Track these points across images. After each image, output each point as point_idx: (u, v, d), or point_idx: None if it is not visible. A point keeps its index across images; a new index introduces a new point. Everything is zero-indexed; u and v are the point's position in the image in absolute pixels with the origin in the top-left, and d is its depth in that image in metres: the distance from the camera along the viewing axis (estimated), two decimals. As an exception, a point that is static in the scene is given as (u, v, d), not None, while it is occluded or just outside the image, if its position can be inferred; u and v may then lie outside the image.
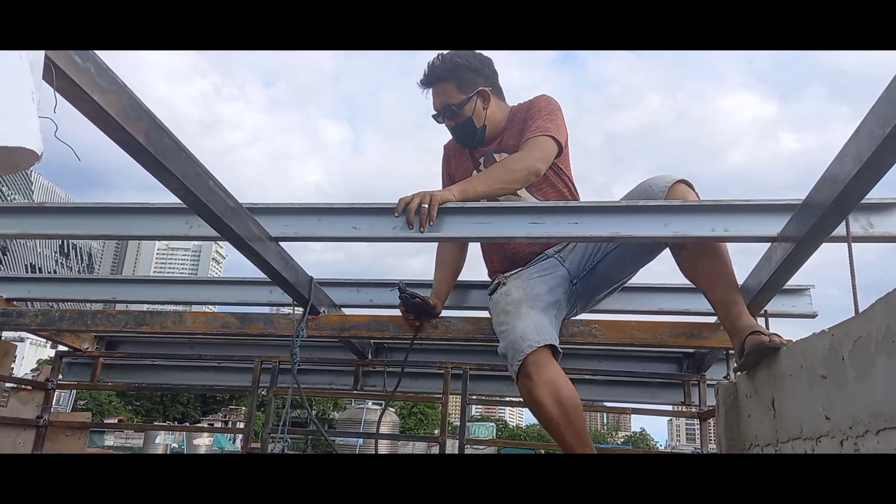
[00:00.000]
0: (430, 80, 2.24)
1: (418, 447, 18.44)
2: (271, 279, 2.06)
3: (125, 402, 37.66)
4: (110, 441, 29.07)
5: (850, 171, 1.23)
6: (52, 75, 1.02)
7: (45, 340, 3.22)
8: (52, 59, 1.01)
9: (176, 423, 36.28)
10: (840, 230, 1.50)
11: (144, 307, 2.89)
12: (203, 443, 23.07)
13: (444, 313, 2.32)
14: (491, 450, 14.43)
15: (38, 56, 0.96)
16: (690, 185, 1.89)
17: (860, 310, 1.08)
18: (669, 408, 3.12)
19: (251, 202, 1.84)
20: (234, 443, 23.54)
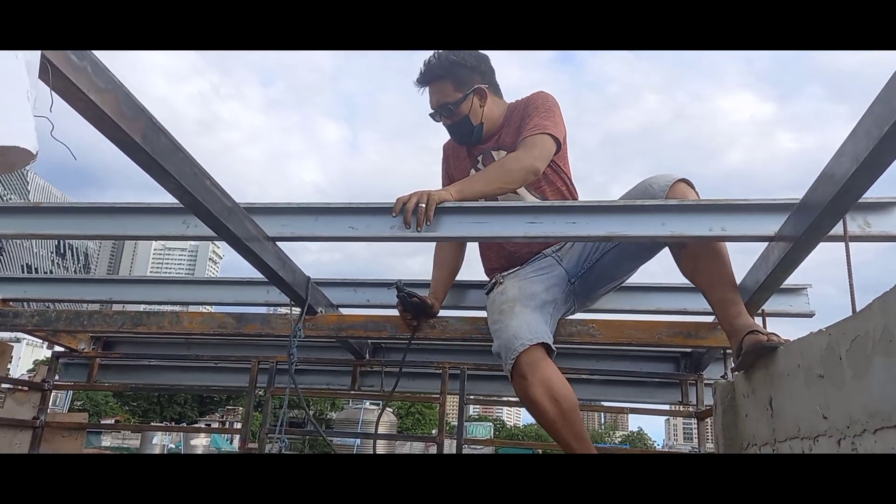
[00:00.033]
0: (427, 78, 2.24)
1: (416, 447, 18.44)
2: (268, 279, 2.05)
3: (122, 402, 37.59)
4: (107, 442, 29.04)
5: (848, 170, 1.23)
6: (49, 74, 1.01)
7: (41, 341, 3.21)
8: (49, 58, 1.00)
9: (173, 423, 36.23)
10: (837, 229, 1.50)
11: (141, 307, 2.89)
12: (200, 443, 23.05)
13: (442, 313, 2.32)
14: (489, 450, 14.44)
15: (34, 55, 0.96)
16: (691, 185, 1.89)
17: (857, 309, 1.08)
18: (667, 407, 3.13)
19: (248, 202, 1.84)
20: (231, 443, 23.52)
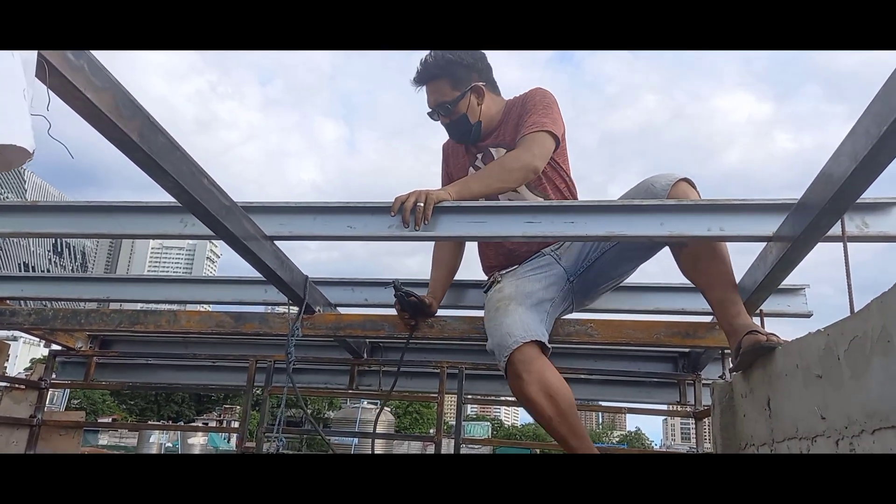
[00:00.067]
0: (423, 77, 2.23)
1: (414, 446, 18.44)
2: (266, 278, 2.05)
3: (119, 401, 37.54)
4: (104, 440, 29.00)
5: (846, 170, 1.23)
6: (45, 73, 1.01)
7: (38, 339, 3.20)
8: (46, 57, 1.00)
9: (170, 422, 36.21)
10: (835, 230, 1.51)
11: (138, 306, 2.88)
12: (198, 442, 23.02)
13: (440, 312, 2.31)
14: (487, 449, 14.45)
15: (30, 53, 0.95)
16: (692, 184, 1.88)
17: (856, 309, 1.08)
18: (665, 407, 3.13)
19: (246, 201, 1.83)
20: (228, 442, 23.50)
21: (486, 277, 2.32)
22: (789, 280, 1.86)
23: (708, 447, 2.58)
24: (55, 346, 3.17)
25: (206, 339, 3.14)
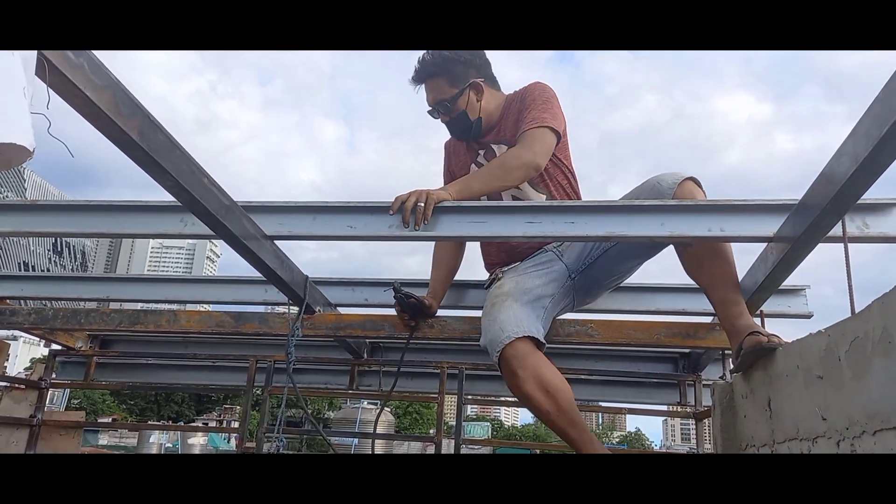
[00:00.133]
0: (421, 76, 2.23)
1: (414, 447, 18.43)
2: (266, 278, 2.05)
3: (119, 401, 37.54)
4: (104, 440, 29.00)
5: (847, 171, 1.23)
6: (45, 71, 1.01)
7: (38, 339, 3.20)
8: (45, 55, 1.00)
9: (170, 422, 36.21)
10: (836, 230, 1.50)
11: (138, 306, 2.88)
12: (198, 442, 23.02)
13: (441, 312, 2.31)
14: (486, 450, 14.43)
15: (30, 52, 0.95)
16: (698, 184, 1.87)
17: (856, 310, 1.08)
18: (665, 408, 3.13)
19: (246, 200, 1.83)
20: (228, 442, 23.50)
21: (487, 275, 2.32)
22: (790, 281, 1.86)
23: (708, 448, 2.58)
24: (55, 346, 3.17)
25: (206, 338, 3.14)
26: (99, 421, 23.34)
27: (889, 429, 0.93)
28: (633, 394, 3.02)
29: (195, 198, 1.50)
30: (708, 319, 2.33)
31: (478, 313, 2.33)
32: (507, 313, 1.92)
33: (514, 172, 2.00)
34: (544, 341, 1.92)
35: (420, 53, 2.23)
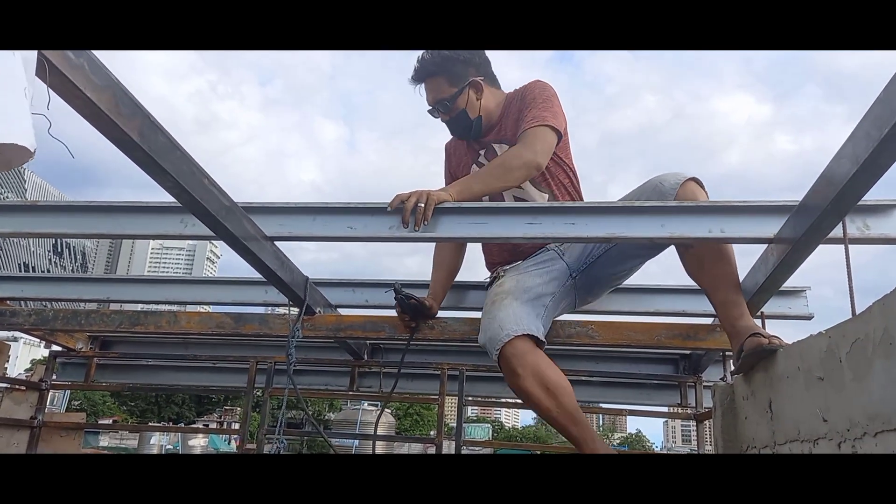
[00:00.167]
0: (421, 75, 2.23)
1: (414, 448, 18.43)
2: (266, 279, 2.05)
3: (119, 402, 37.53)
4: (105, 442, 28.99)
5: (847, 172, 1.23)
6: (46, 71, 1.01)
7: (38, 340, 3.20)
8: (46, 56, 1.00)
9: (171, 423, 36.18)
10: (837, 232, 1.50)
11: (139, 307, 2.88)
12: (198, 443, 23.02)
13: (441, 314, 2.31)
14: (487, 451, 14.43)
15: (31, 52, 0.95)
16: (701, 184, 1.87)
17: (857, 312, 1.07)
18: (666, 409, 3.12)
19: (246, 201, 1.83)
20: (229, 444, 23.49)
21: (487, 276, 2.32)
22: (790, 282, 1.86)
23: (709, 449, 2.57)
24: (55, 347, 3.17)
25: (206, 340, 3.14)
26: (99, 422, 23.32)
27: (890, 430, 0.92)
28: (634, 395, 3.02)
29: (195, 199, 1.50)
30: (708, 321, 2.33)
31: (478, 314, 2.33)
32: (506, 311, 1.91)
33: (515, 172, 2.00)
34: (544, 340, 1.92)
35: (419, 53, 2.23)
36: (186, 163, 1.45)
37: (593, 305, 2.35)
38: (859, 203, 1.40)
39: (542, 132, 2.05)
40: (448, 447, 2.80)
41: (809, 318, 2.29)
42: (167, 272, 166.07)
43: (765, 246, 1.77)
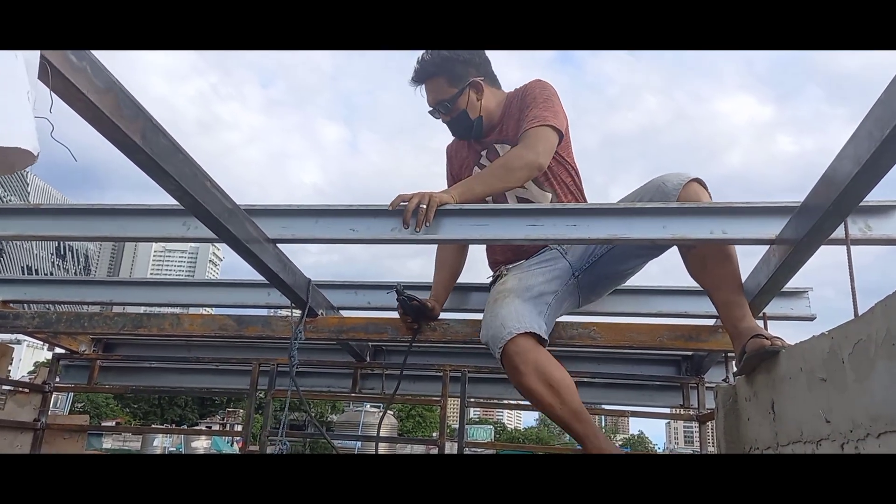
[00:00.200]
0: (421, 76, 2.23)
1: (417, 450, 18.41)
2: (269, 281, 2.05)
3: (122, 404, 37.54)
4: (108, 444, 29.02)
5: (849, 173, 1.23)
6: (48, 75, 1.01)
7: (41, 343, 3.21)
8: (48, 59, 1.00)
9: (174, 425, 36.19)
10: (838, 233, 1.50)
11: (141, 309, 2.89)
12: (201, 445, 23.04)
13: (443, 315, 2.31)
14: (489, 452, 14.41)
15: (33, 55, 0.96)
16: (704, 185, 1.86)
17: (859, 312, 1.07)
18: (668, 411, 3.12)
19: (249, 203, 1.83)
20: (232, 445, 23.51)
21: (491, 273, 2.32)
22: (792, 283, 1.86)
23: (712, 451, 2.57)
24: (59, 350, 3.17)
25: (209, 342, 3.14)
26: (102, 424, 23.34)
27: (893, 431, 0.92)
28: (636, 396, 3.01)
29: (198, 201, 1.50)
30: (710, 322, 2.33)
31: (480, 316, 2.33)
32: (508, 309, 1.91)
33: (517, 173, 2.00)
34: (546, 338, 1.92)
35: (419, 53, 2.23)
36: (188, 165, 1.45)
37: (595, 306, 2.35)
38: (861, 204, 1.40)
39: (543, 132, 2.04)
40: (450, 448, 2.80)
41: (811, 319, 2.29)
42: (170, 275, 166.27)
43: (767, 247, 1.76)
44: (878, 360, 0.97)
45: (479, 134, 2.25)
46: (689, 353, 2.74)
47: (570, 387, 1.85)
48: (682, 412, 2.87)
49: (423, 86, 2.24)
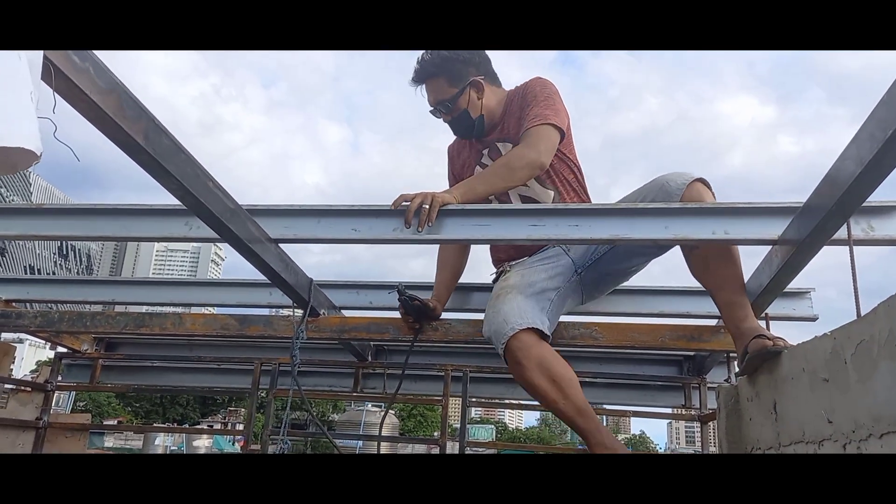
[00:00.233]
0: (421, 76, 2.22)
1: (418, 449, 18.42)
2: (271, 281, 2.05)
3: (124, 403, 37.61)
4: (110, 442, 29.04)
5: (852, 174, 1.23)
6: (51, 75, 1.01)
7: (44, 342, 3.21)
8: (51, 60, 1.00)
9: (175, 424, 36.24)
10: (841, 233, 1.50)
11: (143, 309, 2.89)
12: (203, 444, 23.05)
13: (445, 315, 2.31)
14: (491, 452, 14.42)
15: (36, 56, 0.96)
16: (707, 185, 1.86)
17: (862, 313, 1.07)
18: (669, 411, 3.11)
19: (251, 203, 1.84)
20: (233, 444, 23.53)
21: (492, 277, 2.32)
22: (795, 283, 1.85)
23: (713, 451, 2.57)
24: (61, 349, 3.18)
25: (210, 341, 3.14)
26: (104, 423, 23.39)
27: (895, 431, 0.92)
28: (638, 396, 3.01)
29: (200, 201, 1.51)
30: (712, 322, 2.32)
31: (482, 316, 2.33)
32: (510, 305, 1.92)
33: (519, 173, 2.00)
34: (549, 334, 1.92)
35: (419, 53, 2.23)
36: (191, 165, 1.45)
37: (598, 306, 2.35)
38: (864, 204, 1.40)
39: (544, 131, 2.04)
40: (452, 448, 2.81)
41: (814, 319, 2.29)
42: (172, 274, 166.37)
43: (769, 247, 1.76)
44: (881, 361, 0.97)
45: (481, 133, 2.25)
46: (691, 353, 2.73)
47: (573, 381, 1.85)
48: (684, 412, 2.86)
49: (424, 86, 2.24)
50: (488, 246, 2.34)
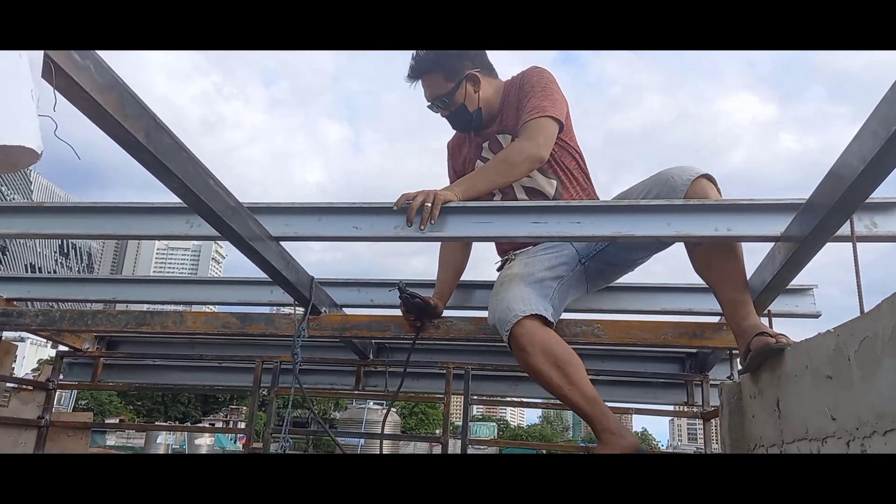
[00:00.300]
0: (416, 73, 2.22)
1: (420, 447, 18.44)
2: (272, 279, 2.05)
3: (126, 402, 37.67)
4: (111, 441, 29.08)
5: (854, 170, 1.22)
6: (52, 73, 1.01)
7: (45, 340, 3.21)
8: (52, 58, 1.00)
9: (177, 423, 36.29)
10: (844, 230, 1.49)
11: (145, 307, 2.89)
12: (204, 443, 23.09)
13: (447, 313, 2.31)
14: (492, 450, 14.44)
15: (37, 54, 0.95)
16: (713, 181, 1.84)
17: (865, 310, 1.07)
18: (672, 408, 3.11)
19: (252, 201, 1.83)
20: (235, 443, 23.56)
21: (496, 268, 2.31)
22: (797, 280, 1.85)
23: (716, 448, 2.57)
24: (62, 348, 3.18)
25: (212, 339, 3.14)
26: (106, 422, 23.41)
27: (899, 429, 0.92)
28: (640, 394, 3.01)
29: (201, 199, 1.50)
30: (715, 319, 2.32)
31: (484, 314, 2.33)
32: (513, 292, 1.91)
33: (519, 167, 2.00)
34: (553, 321, 1.91)
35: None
36: (192, 164, 1.45)
37: (599, 304, 2.34)
38: (867, 201, 1.39)
39: (543, 123, 2.04)
40: (453, 446, 2.81)
41: (817, 316, 2.28)
42: (173, 272, 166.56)
43: (772, 244, 1.76)
44: (885, 358, 0.97)
45: (479, 126, 2.25)
46: (694, 350, 2.73)
47: (579, 367, 1.85)
48: (686, 409, 2.86)
49: (420, 82, 2.23)
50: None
